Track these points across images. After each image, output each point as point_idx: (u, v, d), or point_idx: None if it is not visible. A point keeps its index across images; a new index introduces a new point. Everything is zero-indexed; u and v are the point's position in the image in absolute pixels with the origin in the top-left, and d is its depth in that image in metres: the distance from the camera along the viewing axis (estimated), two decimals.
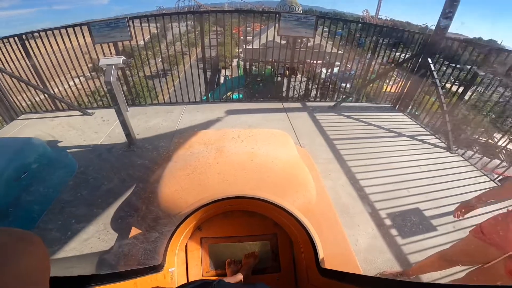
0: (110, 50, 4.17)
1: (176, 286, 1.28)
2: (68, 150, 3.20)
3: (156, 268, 1.13)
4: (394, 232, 2.30)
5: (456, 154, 3.53)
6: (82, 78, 4.75)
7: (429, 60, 3.95)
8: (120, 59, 2.97)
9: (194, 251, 1.49)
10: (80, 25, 3.95)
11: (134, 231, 1.60)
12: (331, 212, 1.80)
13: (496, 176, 3.20)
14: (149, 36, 4.54)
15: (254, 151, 1.84)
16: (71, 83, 4.50)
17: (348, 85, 5.48)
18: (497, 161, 3.60)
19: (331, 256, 1.27)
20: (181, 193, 1.46)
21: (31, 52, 3.95)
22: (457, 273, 1.84)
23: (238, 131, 2.15)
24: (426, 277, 1.88)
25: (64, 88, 4.44)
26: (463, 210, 1.58)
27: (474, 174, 3.17)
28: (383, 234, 2.26)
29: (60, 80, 4.29)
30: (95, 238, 2.14)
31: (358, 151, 3.43)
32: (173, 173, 1.63)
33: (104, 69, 2.93)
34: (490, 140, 4.13)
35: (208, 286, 0.78)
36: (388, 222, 2.39)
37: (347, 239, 1.63)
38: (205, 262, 1.49)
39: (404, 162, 3.25)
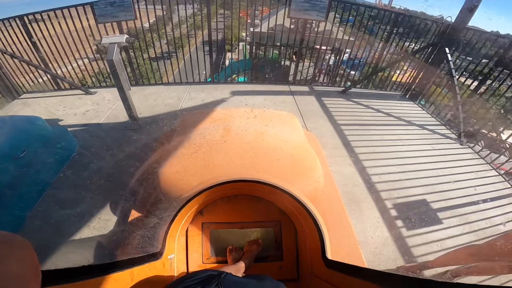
0: (114, 31, 4.04)
1: (176, 273, 1.24)
2: (69, 129, 3.13)
3: (154, 256, 1.08)
4: (399, 223, 2.24)
5: (467, 146, 3.43)
6: (85, 60, 4.65)
7: (447, 50, 3.81)
8: (123, 38, 2.88)
9: (194, 236, 1.44)
10: (83, 4, 3.79)
11: (134, 215, 1.56)
12: (337, 201, 1.74)
13: (503, 172, 3.10)
14: (154, 19, 4.35)
15: (263, 132, 1.76)
16: (75, 64, 4.41)
17: (357, 73, 5.31)
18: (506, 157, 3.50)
19: (335, 247, 1.21)
20: (183, 174, 1.40)
21: (33, 34, 3.83)
22: None
23: (246, 109, 2.06)
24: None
25: (67, 69, 4.36)
26: None
27: (484, 167, 3.07)
28: (388, 225, 2.21)
29: (63, 61, 4.20)
30: (94, 223, 2.09)
31: (366, 137, 3.35)
32: (175, 152, 1.55)
33: (106, 47, 2.84)
34: (499, 136, 4.00)
35: (214, 279, 0.73)
36: (394, 213, 2.33)
37: (352, 229, 1.58)
38: (205, 248, 1.44)
39: (413, 151, 3.17)
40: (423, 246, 2.07)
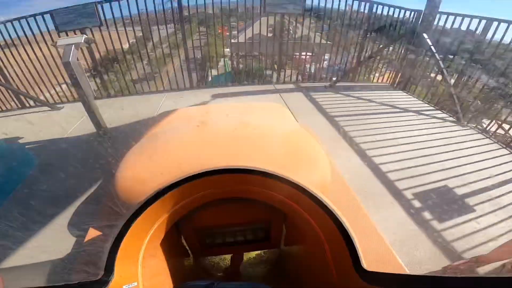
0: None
1: None
2: (30, 146, 2.87)
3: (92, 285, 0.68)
4: (427, 215, 1.92)
5: (469, 127, 3.23)
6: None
7: (425, 35, 3.74)
8: (82, 38, 2.55)
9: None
10: (42, 14, 3.53)
11: (92, 233, 1.17)
12: (349, 195, 1.39)
13: None
14: (134, 40, 4.06)
15: (248, 122, 1.43)
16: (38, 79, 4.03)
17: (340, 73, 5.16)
18: None
19: (363, 252, 0.86)
20: (142, 177, 1.03)
21: None
22: None
23: (226, 105, 1.77)
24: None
25: (30, 83, 3.98)
26: None
27: (493, 147, 2.85)
28: (415, 219, 1.88)
29: (26, 77, 3.88)
30: (49, 243, 1.77)
31: (364, 127, 3.14)
32: (134, 156, 1.20)
33: (62, 50, 2.48)
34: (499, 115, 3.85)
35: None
36: (417, 204, 2.01)
37: (376, 229, 1.23)
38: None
39: (415, 136, 2.97)
40: (464, 238, 1.75)
